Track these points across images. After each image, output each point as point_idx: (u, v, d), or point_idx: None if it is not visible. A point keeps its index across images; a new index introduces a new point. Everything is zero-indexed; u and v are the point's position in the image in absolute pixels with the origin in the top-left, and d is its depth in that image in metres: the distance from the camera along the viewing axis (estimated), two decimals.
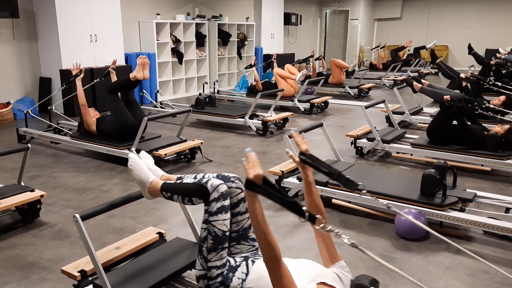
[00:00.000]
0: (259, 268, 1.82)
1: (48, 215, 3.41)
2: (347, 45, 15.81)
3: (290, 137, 3.48)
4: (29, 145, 3.32)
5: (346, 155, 4.93)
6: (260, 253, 2.00)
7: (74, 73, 5.04)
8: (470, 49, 8.80)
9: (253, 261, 1.87)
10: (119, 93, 4.70)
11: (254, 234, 1.55)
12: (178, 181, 2.02)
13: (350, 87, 9.21)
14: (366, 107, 4.74)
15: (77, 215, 1.98)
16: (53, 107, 5.65)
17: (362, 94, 9.20)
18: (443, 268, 2.69)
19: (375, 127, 4.86)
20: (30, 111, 5.59)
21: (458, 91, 5.91)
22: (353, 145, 5.01)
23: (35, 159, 4.80)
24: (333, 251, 1.84)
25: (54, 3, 6.77)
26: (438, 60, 7.99)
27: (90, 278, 2.17)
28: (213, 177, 1.93)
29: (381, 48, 12.73)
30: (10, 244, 2.95)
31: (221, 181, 1.89)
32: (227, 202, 1.86)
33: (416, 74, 11.99)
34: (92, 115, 4.91)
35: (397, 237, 3.06)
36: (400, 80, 10.62)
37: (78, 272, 2.16)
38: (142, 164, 2.07)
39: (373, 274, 2.61)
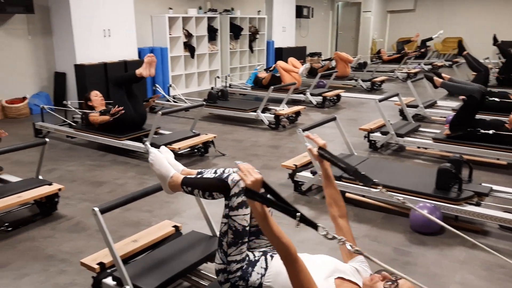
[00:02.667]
0: (277, 263, 1.83)
1: (66, 208, 3.47)
2: (359, 38, 15.68)
3: (304, 130, 3.49)
4: (47, 139, 3.37)
5: (360, 148, 4.92)
6: None
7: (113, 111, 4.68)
8: (495, 40, 8.70)
9: (271, 256, 1.88)
10: (122, 87, 4.77)
11: (266, 236, 1.58)
12: (199, 176, 2.03)
13: (362, 80, 9.16)
14: (380, 101, 4.72)
15: (96, 209, 2.01)
16: (69, 102, 5.71)
17: (375, 87, 9.14)
18: (459, 263, 2.68)
19: (388, 120, 4.83)
20: (45, 106, 5.66)
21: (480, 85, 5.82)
22: (366, 138, 5.00)
23: (52, 153, 4.87)
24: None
25: None
26: (465, 52, 7.89)
27: (108, 270, 2.21)
28: (234, 172, 1.93)
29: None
30: (29, 236, 3.02)
31: None
32: None
33: (430, 66, 11.88)
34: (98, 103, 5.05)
35: (412, 231, 3.06)
36: (414, 73, 10.53)
37: (97, 264, 2.20)
38: (163, 158, 2.07)
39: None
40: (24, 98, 6.88)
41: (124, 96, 4.74)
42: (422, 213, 1.89)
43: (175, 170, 2.08)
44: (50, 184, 3.29)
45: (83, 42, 7.12)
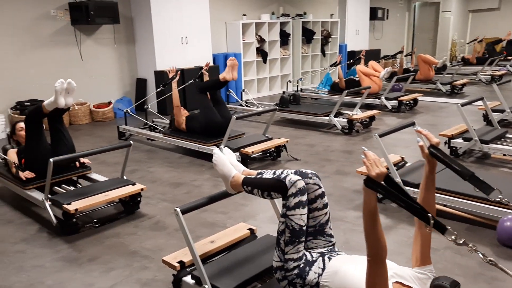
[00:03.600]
0: (335, 265, 1.86)
1: (147, 207, 3.66)
2: (438, 39, 14.95)
3: (381, 136, 3.39)
4: (131, 142, 3.59)
5: None
6: (336, 250, 2.03)
7: (170, 75, 5.36)
8: None
9: (329, 258, 1.91)
10: (207, 93, 4.92)
11: (364, 232, 1.53)
12: (258, 176, 2.10)
13: (441, 84, 8.72)
14: (463, 105, 4.46)
15: (178, 209, 2.11)
16: (149, 106, 6.02)
17: (455, 91, 8.66)
18: None
19: (472, 126, 4.56)
20: (129, 110, 6.03)
21: None
22: (446, 145, 4.75)
23: (133, 155, 5.16)
24: (427, 252, 1.79)
25: (150, 9, 7.22)
26: None
27: (188, 269, 2.30)
28: (291, 173, 2.00)
29: (478, 42, 11.87)
30: (115, 233, 3.22)
31: (299, 177, 1.94)
32: (304, 198, 1.91)
33: None
34: (182, 114, 5.19)
35: (499, 244, 2.86)
36: (499, 75, 9.85)
37: (178, 262, 2.30)
38: (225, 159, 2.18)
39: (473, 283, 2.47)
40: (109, 103, 7.37)
41: (210, 102, 4.88)
42: None
43: (237, 170, 2.18)
44: (133, 184, 3.50)
45: (162, 49, 7.49)
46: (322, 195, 2.02)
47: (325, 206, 2.03)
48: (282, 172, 2.02)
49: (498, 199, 1.64)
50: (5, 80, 6.37)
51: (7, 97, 6.42)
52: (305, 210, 1.91)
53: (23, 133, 3.66)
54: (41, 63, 6.70)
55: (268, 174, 2.07)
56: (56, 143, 3.54)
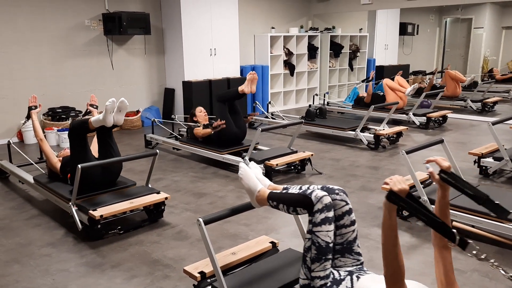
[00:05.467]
0: (364, 284, 1.81)
1: (170, 216, 3.69)
2: (469, 56, 14.67)
3: (408, 152, 3.34)
4: (157, 151, 3.64)
5: (468, 174, 4.57)
6: (365, 269, 1.98)
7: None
8: None
9: (358, 277, 1.86)
10: (226, 103, 4.99)
11: (382, 250, 1.51)
12: (284, 191, 2.08)
13: (472, 101, 8.54)
14: (494, 123, 4.35)
15: (201, 219, 2.12)
16: (176, 116, 6.11)
17: (486, 109, 8.46)
18: None
19: (503, 145, 4.43)
20: (156, 120, 6.13)
21: None
22: (476, 164, 4.63)
23: (159, 163, 5.23)
24: (451, 277, 1.72)
25: (180, 20, 7.36)
26: None
27: (208, 280, 2.30)
28: (318, 189, 1.97)
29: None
30: (138, 240, 3.26)
31: (325, 193, 1.91)
32: (331, 214, 1.88)
33: None
34: (201, 120, 5.37)
35: None
36: None
37: (198, 273, 2.30)
38: (251, 173, 2.18)
39: None
40: (137, 112, 7.51)
41: (227, 111, 4.96)
42: None
43: (262, 185, 2.17)
44: (158, 192, 3.54)
45: (191, 60, 7.61)
46: (349, 212, 1.98)
47: (353, 223, 1.99)
48: (308, 188, 2.00)
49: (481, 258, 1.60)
50: (40, 87, 6.59)
51: (41, 104, 6.61)
52: (332, 227, 1.88)
53: (67, 151, 3.68)
54: (74, 71, 6.91)
55: (294, 189, 2.05)
56: (103, 156, 3.48)
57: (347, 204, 1.99)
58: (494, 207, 1.57)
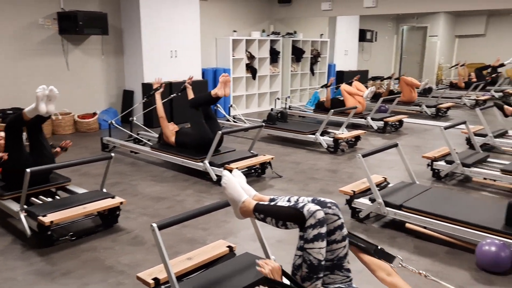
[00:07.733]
0: None
1: (126, 221, 3.59)
2: (425, 63, 15.21)
3: (364, 156, 3.40)
4: (113, 154, 3.54)
5: (422, 177, 4.71)
6: (354, 286, 1.91)
7: (155, 87, 5.33)
8: None
9: None
10: (200, 108, 4.89)
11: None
12: (272, 203, 1.96)
13: (427, 106, 8.84)
14: (446, 128, 4.51)
15: (154, 225, 2.06)
16: (134, 119, 5.98)
17: (440, 114, 8.78)
18: None
19: (454, 149, 4.61)
20: (113, 122, 5.97)
21: None
22: (429, 167, 4.78)
23: (116, 167, 5.10)
24: (386, 268, 1.88)
25: (139, 21, 7.23)
26: None
27: (163, 287, 2.25)
28: (309, 202, 1.85)
29: (460, 66, 12.11)
30: (92, 247, 3.15)
31: (318, 207, 1.79)
32: (324, 230, 1.77)
33: (500, 94, 11.26)
34: (171, 128, 5.14)
35: (478, 269, 2.86)
36: (483, 100, 10.03)
37: (152, 279, 2.25)
38: (236, 182, 2.01)
39: None
40: (94, 114, 7.30)
41: (202, 118, 4.84)
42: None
43: (248, 195, 2.01)
44: (113, 197, 3.44)
45: (151, 62, 7.48)
46: (341, 227, 1.87)
47: (344, 238, 1.88)
48: (297, 200, 1.88)
49: (399, 266, 1.88)
50: None
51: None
52: (324, 243, 1.77)
53: (2, 142, 3.59)
54: (27, 72, 6.64)
55: (282, 201, 1.93)
56: (35, 153, 3.48)
57: (340, 218, 1.89)
58: (384, 255, 1.91)
